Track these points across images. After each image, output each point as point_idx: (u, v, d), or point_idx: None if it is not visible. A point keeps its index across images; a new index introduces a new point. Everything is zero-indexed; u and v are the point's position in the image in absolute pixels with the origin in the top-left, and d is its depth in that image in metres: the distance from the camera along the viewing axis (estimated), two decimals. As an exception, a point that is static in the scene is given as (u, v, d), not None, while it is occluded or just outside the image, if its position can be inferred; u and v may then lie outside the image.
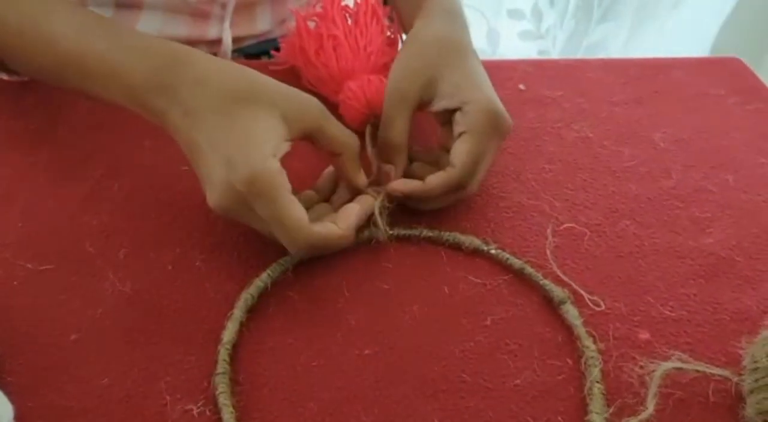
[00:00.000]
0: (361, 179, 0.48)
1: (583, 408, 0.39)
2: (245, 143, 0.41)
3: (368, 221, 0.47)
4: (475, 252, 0.48)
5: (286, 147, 0.43)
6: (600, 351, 0.41)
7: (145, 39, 0.47)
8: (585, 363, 0.40)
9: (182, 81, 0.43)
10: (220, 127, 0.42)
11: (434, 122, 0.53)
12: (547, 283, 0.45)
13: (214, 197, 0.42)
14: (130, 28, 0.49)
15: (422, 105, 0.51)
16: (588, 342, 0.41)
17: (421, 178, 0.49)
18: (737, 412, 0.39)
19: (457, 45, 0.53)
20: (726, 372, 0.39)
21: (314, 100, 0.45)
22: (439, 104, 0.50)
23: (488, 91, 0.50)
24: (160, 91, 0.44)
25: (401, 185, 0.48)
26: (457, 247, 0.48)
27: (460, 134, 0.48)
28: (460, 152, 0.48)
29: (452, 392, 0.40)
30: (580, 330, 0.42)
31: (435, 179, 0.48)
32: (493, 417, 0.39)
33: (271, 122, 0.42)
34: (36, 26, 0.49)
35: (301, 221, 0.41)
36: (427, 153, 0.53)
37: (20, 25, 0.49)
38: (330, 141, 0.45)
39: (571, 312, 0.43)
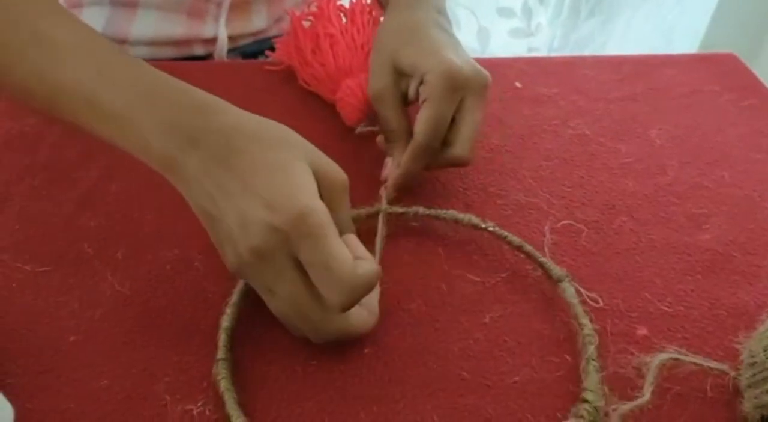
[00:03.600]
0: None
1: (581, 405, 0.39)
2: (287, 184, 0.37)
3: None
4: (474, 230, 0.48)
5: None
6: (596, 330, 0.41)
7: (172, 81, 0.42)
8: (582, 341, 0.40)
9: (214, 127, 0.39)
10: (256, 169, 0.38)
11: None
12: (545, 261, 0.45)
13: (250, 240, 0.37)
14: (150, 68, 0.43)
15: (409, 98, 0.50)
16: (585, 319, 0.41)
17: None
18: (735, 407, 0.39)
19: (413, 25, 0.52)
20: (723, 367, 0.40)
21: (343, 174, 0.41)
22: (412, 88, 0.50)
23: (445, 55, 0.48)
24: (185, 137, 0.39)
25: (390, 182, 0.49)
26: (455, 224, 0.48)
27: (423, 103, 0.48)
28: (419, 120, 0.48)
29: (451, 390, 0.40)
30: (578, 308, 0.42)
31: (405, 157, 0.48)
32: (492, 414, 0.39)
33: (308, 171, 0.39)
34: (42, 80, 0.43)
35: (349, 263, 0.37)
36: None
37: (24, 80, 0.44)
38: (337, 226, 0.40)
39: (568, 291, 0.43)
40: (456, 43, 0.51)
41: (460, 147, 0.48)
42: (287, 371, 0.40)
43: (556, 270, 0.44)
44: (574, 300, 0.43)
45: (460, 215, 0.48)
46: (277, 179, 0.37)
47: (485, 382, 0.40)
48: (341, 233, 0.39)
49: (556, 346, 0.42)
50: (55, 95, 0.43)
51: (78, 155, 0.54)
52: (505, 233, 0.47)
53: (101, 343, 0.41)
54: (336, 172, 0.40)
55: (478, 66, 0.49)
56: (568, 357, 0.41)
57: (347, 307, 0.38)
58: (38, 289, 0.44)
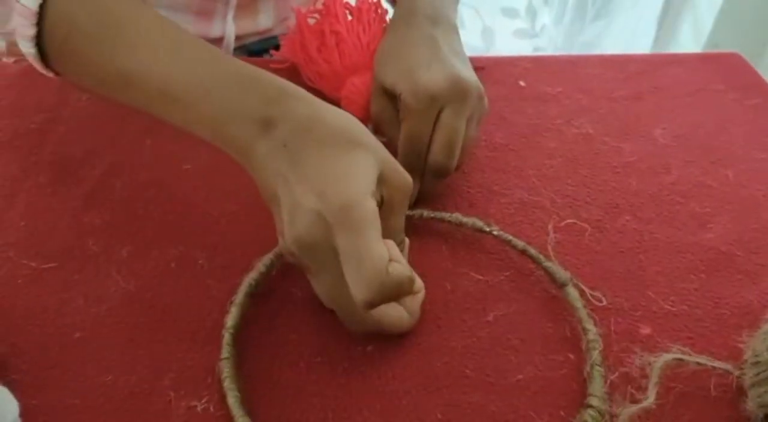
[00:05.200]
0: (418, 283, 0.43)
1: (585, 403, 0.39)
2: (343, 178, 0.37)
3: None
4: (478, 233, 0.48)
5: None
6: (600, 334, 0.41)
7: (249, 67, 0.42)
8: (586, 346, 0.40)
9: (290, 116, 0.39)
10: (318, 165, 0.38)
11: None
12: (549, 265, 0.45)
13: (296, 228, 0.37)
14: (226, 55, 0.43)
15: None
16: (589, 324, 0.41)
17: None
18: (739, 406, 0.39)
19: (403, 44, 0.52)
20: (727, 366, 0.40)
21: (410, 179, 0.41)
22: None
23: (416, 74, 0.48)
24: (261, 122, 0.39)
25: None
26: (458, 226, 0.48)
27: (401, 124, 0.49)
28: (399, 141, 0.48)
29: (454, 387, 0.40)
30: (582, 312, 0.42)
31: None
32: (495, 412, 0.39)
33: (371, 172, 0.38)
34: (115, 63, 0.43)
35: (383, 261, 0.36)
36: None
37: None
38: (390, 229, 0.40)
39: (572, 295, 0.43)
40: (437, 57, 0.49)
41: (433, 155, 0.48)
42: (291, 368, 0.40)
43: (560, 274, 0.44)
44: (578, 304, 0.43)
45: (465, 219, 0.48)
46: (334, 173, 0.37)
47: (488, 380, 0.40)
48: (390, 238, 0.39)
49: (560, 344, 0.42)
50: (127, 79, 0.43)
51: (83, 153, 0.54)
52: (509, 237, 0.47)
53: (106, 339, 0.41)
54: (404, 175, 0.40)
55: (462, 75, 0.48)
56: (571, 356, 0.42)
57: (373, 305, 0.37)
58: (43, 285, 0.44)
